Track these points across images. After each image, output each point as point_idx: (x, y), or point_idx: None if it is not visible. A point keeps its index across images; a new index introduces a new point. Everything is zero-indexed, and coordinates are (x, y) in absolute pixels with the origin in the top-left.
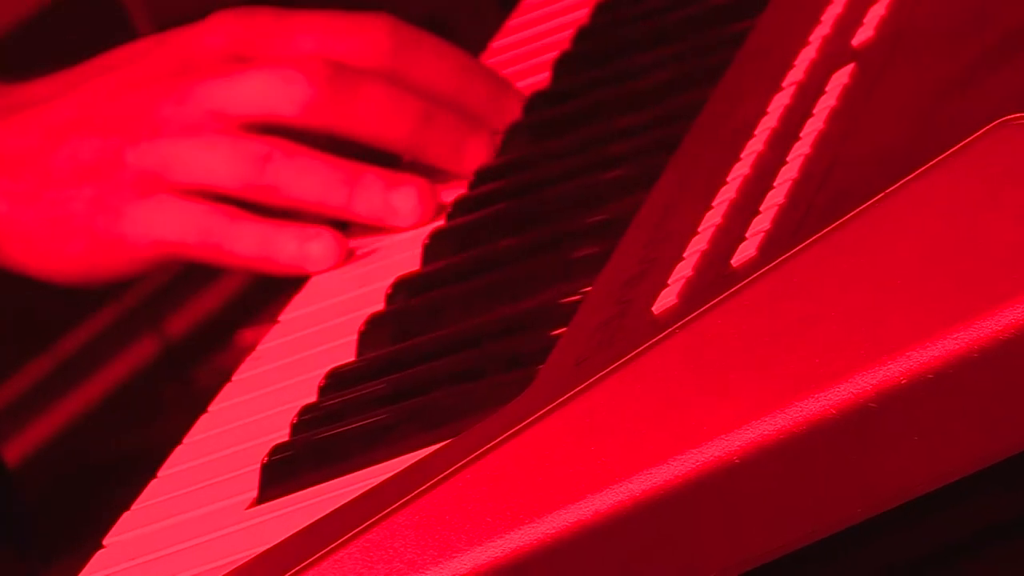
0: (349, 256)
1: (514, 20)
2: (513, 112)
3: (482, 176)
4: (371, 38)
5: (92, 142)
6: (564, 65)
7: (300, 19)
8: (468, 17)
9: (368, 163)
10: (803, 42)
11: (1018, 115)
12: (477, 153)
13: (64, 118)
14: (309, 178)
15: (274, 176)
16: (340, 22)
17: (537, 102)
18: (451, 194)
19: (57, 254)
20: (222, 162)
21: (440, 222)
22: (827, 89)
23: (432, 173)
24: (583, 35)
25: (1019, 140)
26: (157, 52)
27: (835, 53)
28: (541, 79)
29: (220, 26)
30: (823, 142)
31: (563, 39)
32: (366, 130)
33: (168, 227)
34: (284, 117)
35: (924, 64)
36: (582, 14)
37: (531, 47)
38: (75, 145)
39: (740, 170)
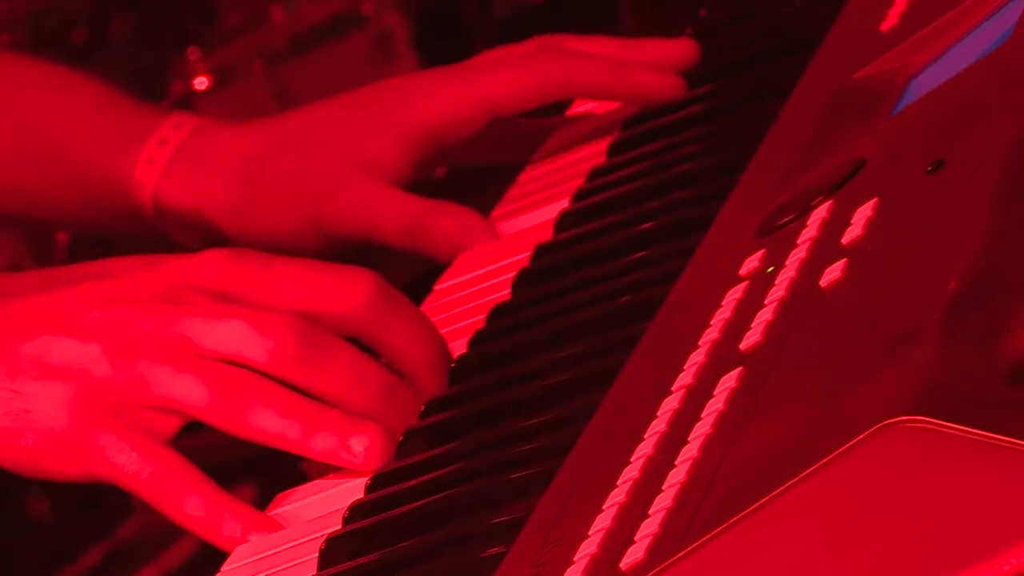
0: None
1: None
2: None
3: (378, 481)
4: (352, 297)
5: (67, 344)
6: (460, 370)
7: (286, 268)
8: None
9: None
10: (693, 345)
11: (899, 418)
12: None
13: (43, 313)
14: (271, 412)
15: (240, 405)
16: (324, 275)
17: (433, 406)
18: (349, 497)
19: (6, 443)
20: (191, 385)
21: (336, 526)
22: (715, 393)
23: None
24: (479, 339)
25: (900, 443)
26: (148, 273)
27: (723, 357)
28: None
29: (211, 263)
30: (711, 445)
31: (459, 346)
32: (329, 392)
33: (121, 460)
34: (255, 364)
35: (809, 367)
36: (479, 319)
37: None
38: (48, 342)
39: (630, 473)
